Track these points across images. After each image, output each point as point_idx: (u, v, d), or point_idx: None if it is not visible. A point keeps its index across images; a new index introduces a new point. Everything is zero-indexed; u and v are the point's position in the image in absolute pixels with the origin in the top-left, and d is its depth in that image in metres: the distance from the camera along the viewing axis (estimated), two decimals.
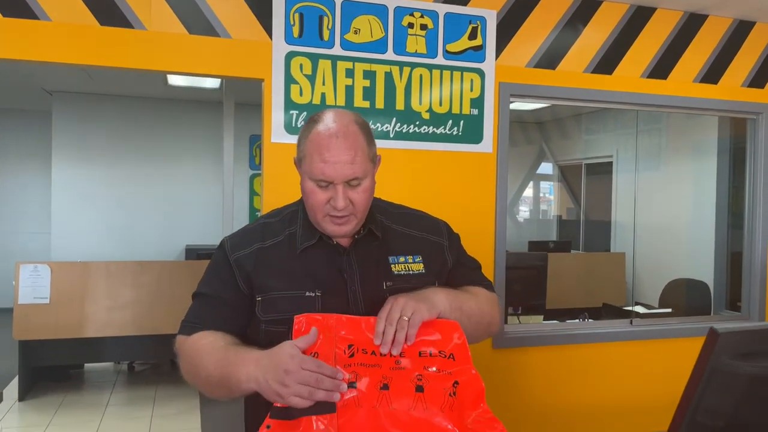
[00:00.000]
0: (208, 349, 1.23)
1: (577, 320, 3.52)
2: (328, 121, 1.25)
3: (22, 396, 4.25)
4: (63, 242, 6.21)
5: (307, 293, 1.28)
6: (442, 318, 1.24)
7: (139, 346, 4.41)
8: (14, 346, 4.23)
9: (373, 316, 1.23)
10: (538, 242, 5.74)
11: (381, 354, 1.18)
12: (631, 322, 3.05)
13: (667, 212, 5.11)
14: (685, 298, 4.29)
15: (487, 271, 2.38)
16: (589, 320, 3.50)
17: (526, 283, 3.59)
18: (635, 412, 2.86)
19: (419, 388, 1.15)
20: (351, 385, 1.13)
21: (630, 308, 3.41)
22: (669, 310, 3.87)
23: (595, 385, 2.87)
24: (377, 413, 1.11)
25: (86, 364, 4.96)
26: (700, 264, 4.22)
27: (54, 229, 6.26)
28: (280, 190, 2.36)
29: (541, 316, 3.39)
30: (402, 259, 1.37)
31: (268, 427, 1.10)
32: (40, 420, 3.91)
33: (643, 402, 2.89)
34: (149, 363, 5.04)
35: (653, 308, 3.95)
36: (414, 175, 2.61)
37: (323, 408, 1.09)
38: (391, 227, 1.40)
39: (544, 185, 7.90)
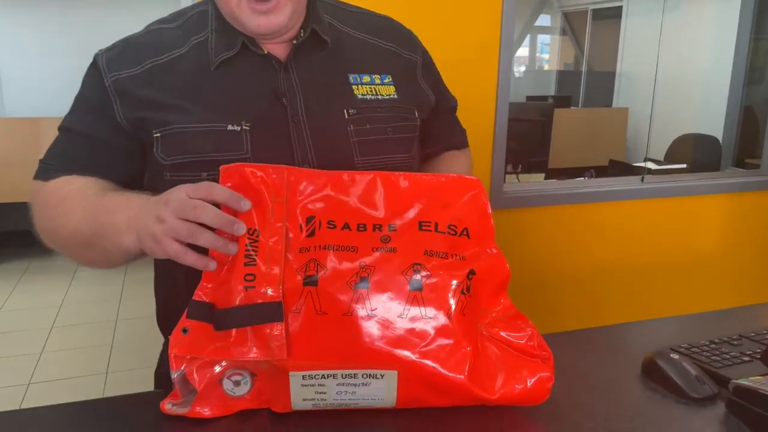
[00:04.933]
0: (76, 197, 0.85)
1: (581, 178, 3.22)
2: None
3: None
4: (16, 96, 5.68)
5: (230, 126, 0.87)
6: None
7: None
8: None
9: (338, 166, 0.82)
10: (536, 97, 5.30)
11: (359, 228, 0.77)
12: (642, 179, 2.77)
13: (680, 63, 4.68)
14: (693, 153, 4.02)
15: (488, 125, 2.02)
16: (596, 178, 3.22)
17: (527, 138, 3.23)
18: (643, 271, 2.67)
19: (416, 284, 0.74)
20: (308, 280, 0.73)
21: (642, 164, 3.09)
22: (683, 165, 3.56)
23: (601, 246, 2.64)
24: (349, 323, 0.71)
25: None
26: (709, 119, 3.92)
27: (4, 80, 5.71)
28: None
29: (542, 175, 3.07)
30: (367, 78, 0.94)
31: (184, 331, 0.73)
32: (2, 287, 3.68)
33: (653, 261, 2.69)
34: None
35: (662, 164, 3.66)
36: (403, 5, 2.14)
37: (262, 315, 0.71)
38: (348, 32, 0.98)
39: (542, 38, 7.41)
